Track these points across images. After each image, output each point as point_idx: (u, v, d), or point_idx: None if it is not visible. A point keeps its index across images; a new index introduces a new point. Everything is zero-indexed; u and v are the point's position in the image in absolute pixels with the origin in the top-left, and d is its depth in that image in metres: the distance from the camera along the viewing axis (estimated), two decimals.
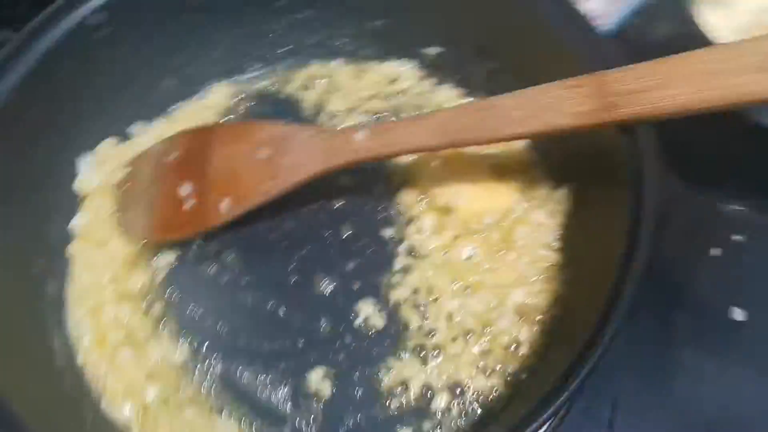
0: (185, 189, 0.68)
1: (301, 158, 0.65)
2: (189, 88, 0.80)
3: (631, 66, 0.54)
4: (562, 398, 0.49)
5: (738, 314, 0.68)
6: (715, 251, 0.72)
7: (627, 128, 0.57)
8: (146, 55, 0.75)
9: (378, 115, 0.77)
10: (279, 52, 0.82)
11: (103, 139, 0.74)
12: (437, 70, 0.80)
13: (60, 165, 0.70)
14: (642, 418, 0.64)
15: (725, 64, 0.51)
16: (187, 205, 0.67)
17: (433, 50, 0.80)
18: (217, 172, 0.68)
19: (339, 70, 0.82)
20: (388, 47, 0.81)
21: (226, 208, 0.67)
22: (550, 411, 0.49)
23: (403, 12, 0.78)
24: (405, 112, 0.77)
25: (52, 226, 0.68)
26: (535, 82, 0.58)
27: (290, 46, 0.82)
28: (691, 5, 0.72)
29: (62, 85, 0.68)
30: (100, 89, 0.72)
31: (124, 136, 0.76)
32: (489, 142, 0.61)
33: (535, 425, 0.49)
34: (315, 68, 0.82)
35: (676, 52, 0.53)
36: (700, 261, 0.72)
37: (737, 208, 0.75)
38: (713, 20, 0.72)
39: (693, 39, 0.69)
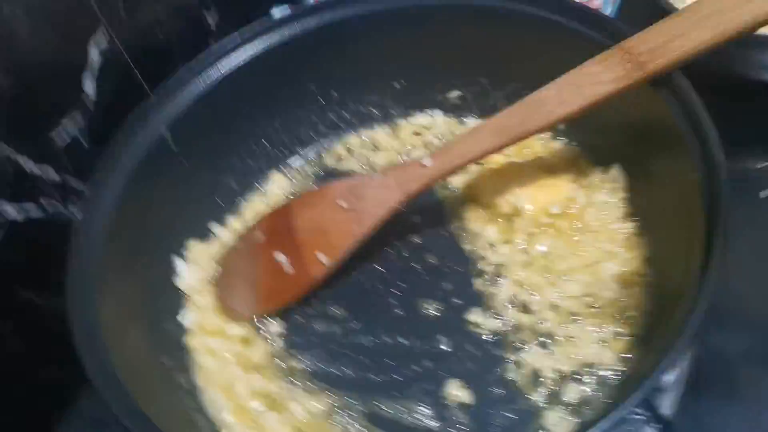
0: (280, 258, 0.73)
1: (379, 196, 0.71)
2: (247, 183, 0.86)
3: (646, 29, 0.63)
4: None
5: None
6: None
7: (675, 92, 0.63)
8: (207, 159, 0.81)
9: None
10: (319, 130, 0.89)
11: (188, 239, 0.79)
12: (461, 108, 0.88)
13: (160, 266, 0.74)
14: None
15: (723, 3, 0.60)
16: (287, 270, 0.72)
17: (453, 94, 0.88)
18: (306, 233, 0.73)
19: (375, 133, 0.90)
20: (413, 102, 0.89)
21: (323, 260, 0.71)
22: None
23: (418, 69, 0.87)
24: None
25: (165, 324, 0.72)
26: None
27: (326, 124, 0.90)
28: None
29: (149, 196, 0.73)
30: (178, 196, 0.78)
31: (206, 236, 0.81)
32: (543, 128, 0.68)
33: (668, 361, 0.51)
34: (353, 138, 0.90)
35: None
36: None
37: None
38: None
39: None
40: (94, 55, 0.81)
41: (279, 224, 0.75)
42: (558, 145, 0.80)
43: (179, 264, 0.76)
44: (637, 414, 0.47)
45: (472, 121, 0.87)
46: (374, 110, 0.90)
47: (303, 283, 0.72)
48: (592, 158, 0.78)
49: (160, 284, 0.74)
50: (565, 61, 0.68)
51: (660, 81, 0.63)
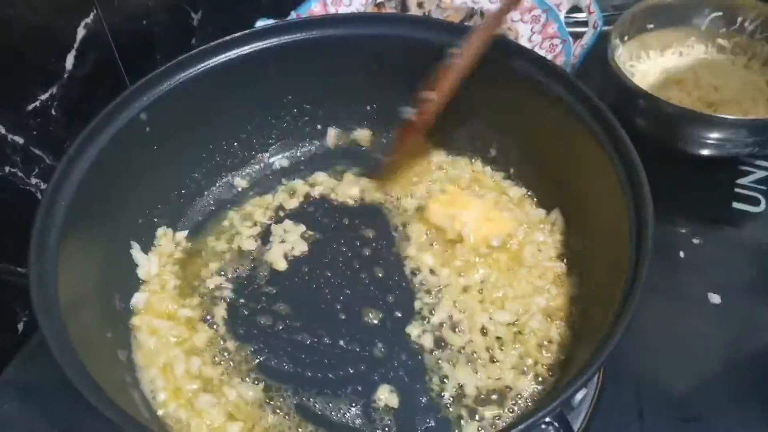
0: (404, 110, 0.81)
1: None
2: (212, 178, 0.89)
3: None
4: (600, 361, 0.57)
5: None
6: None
7: (618, 151, 0.70)
8: (177, 149, 0.84)
9: None
10: (288, 140, 0.94)
11: (151, 225, 0.82)
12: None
13: (120, 245, 0.77)
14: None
15: None
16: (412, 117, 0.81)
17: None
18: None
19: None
20: (379, 123, 0.94)
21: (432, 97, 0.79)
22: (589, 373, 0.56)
23: (387, 93, 0.92)
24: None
25: (117, 302, 0.74)
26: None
27: (296, 135, 0.94)
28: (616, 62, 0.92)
29: (116, 177, 0.76)
30: (145, 181, 0.81)
31: (169, 223, 0.84)
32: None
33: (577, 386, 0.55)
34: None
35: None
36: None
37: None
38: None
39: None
40: (81, 34, 0.83)
41: None
42: (508, 184, 0.87)
43: (136, 250, 0.79)
44: (552, 426, 0.52)
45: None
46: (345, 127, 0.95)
47: (419, 124, 0.81)
48: (536, 200, 0.85)
49: (118, 263, 0.77)
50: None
51: (608, 139, 0.70)
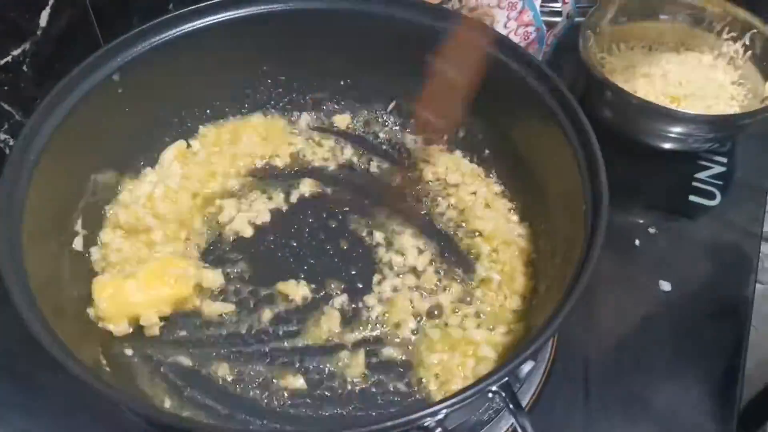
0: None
1: None
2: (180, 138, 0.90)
3: None
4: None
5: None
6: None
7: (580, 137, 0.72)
8: (146, 110, 0.84)
9: None
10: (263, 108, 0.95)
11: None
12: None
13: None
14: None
15: None
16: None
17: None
18: None
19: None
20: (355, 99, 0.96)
21: None
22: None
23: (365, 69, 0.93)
24: None
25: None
26: None
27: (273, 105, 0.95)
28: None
29: (85, 133, 0.76)
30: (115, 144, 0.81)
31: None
32: None
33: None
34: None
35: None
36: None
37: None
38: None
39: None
40: None
41: None
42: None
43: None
44: (499, 396, 0.54)
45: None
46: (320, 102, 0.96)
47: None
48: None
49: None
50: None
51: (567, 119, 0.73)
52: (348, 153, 0.92)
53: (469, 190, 0.87)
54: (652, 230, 0.90)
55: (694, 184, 0.95)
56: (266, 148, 0.91)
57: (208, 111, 0.91)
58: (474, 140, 0.90)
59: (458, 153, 0.90)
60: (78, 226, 0.76)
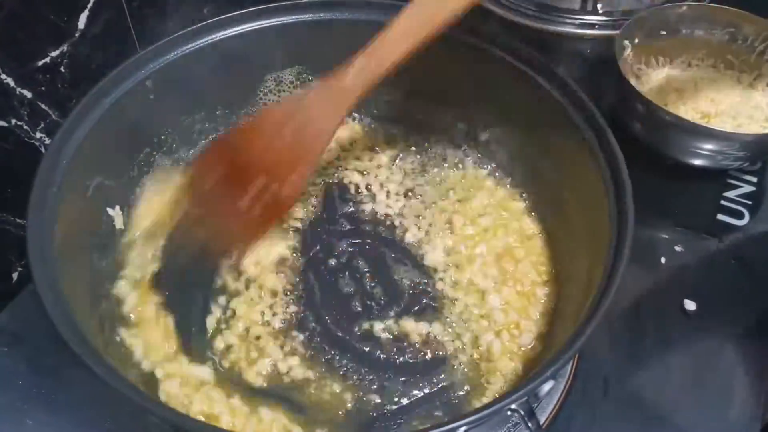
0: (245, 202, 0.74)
1: (319, 122, 0.72)
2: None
3: None
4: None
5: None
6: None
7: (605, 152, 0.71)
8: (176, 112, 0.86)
9: None
10: None
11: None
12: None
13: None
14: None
15: None
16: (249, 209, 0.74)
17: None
18: (259, 167, 0.73)
19: None
20: None
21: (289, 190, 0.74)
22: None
23: None
24: None
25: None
26: None
27: None
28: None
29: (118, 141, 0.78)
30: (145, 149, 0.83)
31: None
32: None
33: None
34: None
35: None
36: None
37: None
38: None
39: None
40: None
41: (224, 161, 0.76)
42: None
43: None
44: (517, 414, 0.55)
45: None
46: None
47: (271, 217, 0.76)
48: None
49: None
50: None
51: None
52: None
53: None
54: (678, 248, 0.89)
55: (723, 202, 0.94)
56: None
57: (234, 118, 0.91)
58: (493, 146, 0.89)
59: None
60: None
